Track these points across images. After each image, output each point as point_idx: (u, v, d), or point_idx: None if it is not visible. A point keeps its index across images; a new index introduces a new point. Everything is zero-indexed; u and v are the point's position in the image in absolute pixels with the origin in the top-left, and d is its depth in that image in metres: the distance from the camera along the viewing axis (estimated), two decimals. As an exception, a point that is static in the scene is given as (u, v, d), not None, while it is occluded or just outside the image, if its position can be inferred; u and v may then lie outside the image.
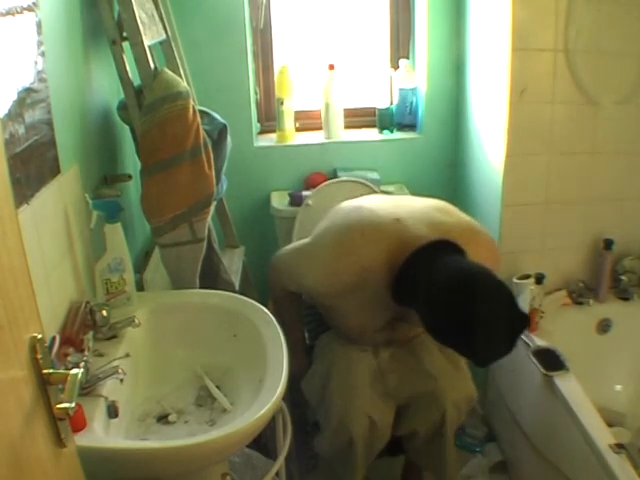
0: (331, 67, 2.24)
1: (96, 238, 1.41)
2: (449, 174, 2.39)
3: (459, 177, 2.38)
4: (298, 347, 1.74)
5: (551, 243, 2.08)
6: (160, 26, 1.74)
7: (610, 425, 1.63)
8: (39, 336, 0.75)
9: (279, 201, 2.25)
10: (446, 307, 1.31)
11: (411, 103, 2.36)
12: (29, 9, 1.11)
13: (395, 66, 2.37)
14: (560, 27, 1.83)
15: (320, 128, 2.34)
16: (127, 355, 1.25)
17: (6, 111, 1.01)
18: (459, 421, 1.68)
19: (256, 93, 2.36)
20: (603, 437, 1.50)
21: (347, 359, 1.65)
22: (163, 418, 1.25)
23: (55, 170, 1.23)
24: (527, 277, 2.00)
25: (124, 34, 1.49)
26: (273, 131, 2.36)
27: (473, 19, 2.13)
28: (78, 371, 0.78)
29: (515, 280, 2.02)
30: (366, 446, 1.62)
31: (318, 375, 1.70)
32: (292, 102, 2.27)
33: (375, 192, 2.12)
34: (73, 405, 0.76)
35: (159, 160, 1.47)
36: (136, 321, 1.30)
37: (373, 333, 1.64)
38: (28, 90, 1.10)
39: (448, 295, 1.31)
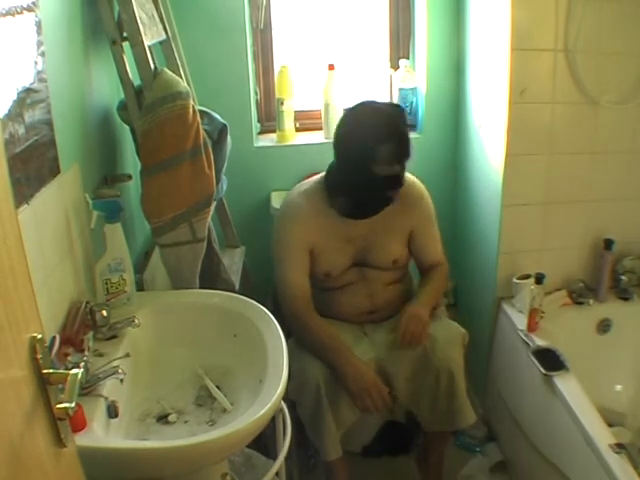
0: (331, 67, 2.24)
1: (96, 238, 1.41)
2: (449, 174, 2.39)
3: (459, 177, 2.38)
4: (344, 350, 1.70)
5: (551, 243, 2.08)
6: (160, 26, 1.74)
7: (610, 425, 1.63)
8: (39, 336, 0.75)
9: (279, 201, 2.24)
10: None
11: (411, 103, 2.36)
12: (29, 9, 1.11)
13: (395, 66, 2.37)
14: (560, 27, 1.83)
15: (320, 128, 2.34)
16: (127, 355, 1.25)
17: (6, 111, 1.01)
18: (458, 356, 1.73)
19: (256, 93, 2.36)
20: (603, 437, 1.50)
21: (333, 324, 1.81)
22: (163, 418, 1.25)
23: (55, 170, 1.23)
24: (527, 277, 2.00)
25: (124, 34, 1.49)
26: (273, 131, 2.36)
27: (473, 19, 2.13)
28: (78, 371, 0.78)
29: (515, 280, 2.02)
30: (335, 395, 1.65)
31: (296, 337, 1.80)
32: (292, 102, 2.27)
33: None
34: (73, 405, 0.76)
35: (159, 160, 1.47)
36: (136, 321, 1.30)
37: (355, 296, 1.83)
38: (28, 90, 1.10)
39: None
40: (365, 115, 1.70)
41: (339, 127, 1.74)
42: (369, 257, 1.83)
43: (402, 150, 1.68)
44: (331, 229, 1.78)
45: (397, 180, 1.71)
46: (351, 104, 1.76)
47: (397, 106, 1.70)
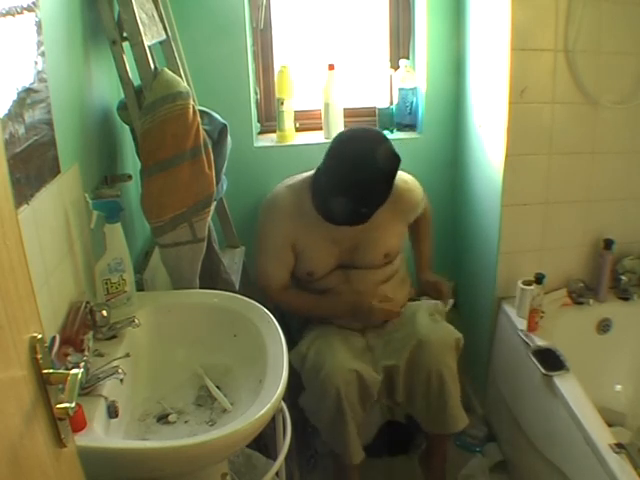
0: (331, 67, 2.24)
1: (96, 238, 1.41)
2: (449, 174, 2.39)
3: (459, 177, 2.38)
4: (325, 299, 1.86)
5: (551, 243, 2.08)
6: (160, 26, 1.74)
7: (610, 425, 1.63)
8: (39, 336, 0.75)
9: (279, 201, 2.24)
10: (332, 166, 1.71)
11: (411, 103, 2.36)
12: (29, 9, 1.11)
13: (395, 66, 2.37)
14: (560, 27, 1.83)
15: (320, 128, 2.34)
16: (127, 355, 1.25)
17: (6, 111, 1.01)
18: (450, 359, 1.75)
19: (256, 93, 2.36)
20: (603, 437, 1.50)
21: (335, 332, 1.83)
22: (163, 418, 1.25)
23: (55, 170, 1.23)
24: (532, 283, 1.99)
25: (124, 34, 1.49)
26: (273, 131, 2.36)
27: (473, 19, 2.13)
28: (78, 371, 0.78)
29: (521, 285, 1.99)
30: (354, 401, 1.67)
31: (305, 345, 1.84)
32: (292, 102, 2.27)
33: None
34: (73, 405, 0.76)
35: (159, 160, 1.47)
36: (136, 321, 1.30)
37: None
38: (28, 90, 1.10)
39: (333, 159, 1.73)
40: (350, 162, 1.68)
41: (331, 148, 1.76)
42: (357, 257, 1.83)
43: (365, 203, 1.70)
44: (315, 227, 1.79)
45: (362, 218, 1.73)
46: (349, 131, 1.84)
47: (396, 157, 1.68)
